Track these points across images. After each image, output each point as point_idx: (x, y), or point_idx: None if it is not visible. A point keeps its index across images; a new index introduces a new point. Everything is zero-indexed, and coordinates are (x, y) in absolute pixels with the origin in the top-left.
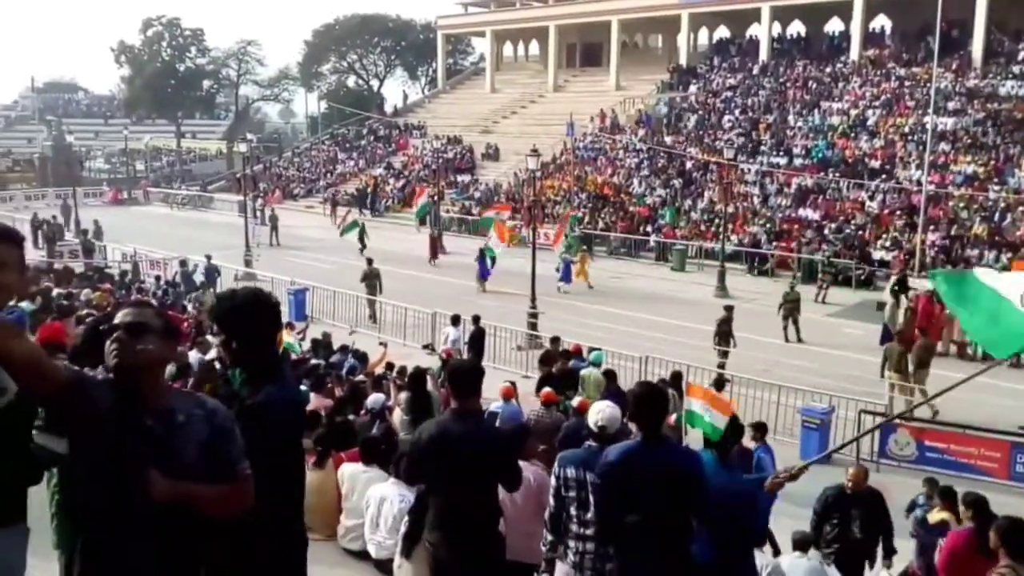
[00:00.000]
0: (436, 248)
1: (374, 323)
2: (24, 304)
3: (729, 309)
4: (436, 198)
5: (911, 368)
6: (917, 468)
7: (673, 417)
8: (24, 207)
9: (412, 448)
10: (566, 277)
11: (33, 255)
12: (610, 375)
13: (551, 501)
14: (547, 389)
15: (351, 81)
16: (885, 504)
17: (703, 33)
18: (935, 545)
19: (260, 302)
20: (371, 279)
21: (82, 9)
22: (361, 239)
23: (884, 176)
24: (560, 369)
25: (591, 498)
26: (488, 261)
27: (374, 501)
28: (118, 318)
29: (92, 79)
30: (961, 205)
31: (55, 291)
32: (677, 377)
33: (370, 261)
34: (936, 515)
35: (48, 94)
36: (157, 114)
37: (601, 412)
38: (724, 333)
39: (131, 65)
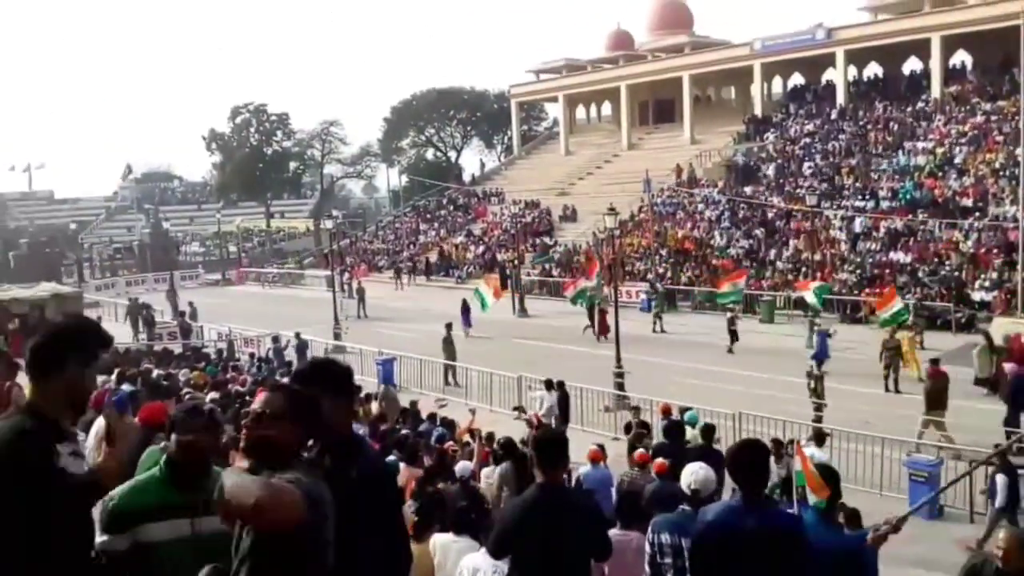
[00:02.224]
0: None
1: (457, 386)
2: (125, 386)
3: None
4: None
5: (925, 408)
6: None
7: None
8: (125, 293)
9: (499, 523)
10: (822, 353)
11: (129, 335)
12: (707, 432)
13: (647, 569)
14: (640, 450)
15: (430, 154)
16: None
17: (776, 81)
18: None
19: (334, 370)
20: (447, 344)
21: (175, 101)
22: (591, 316)
23: (977, 214)
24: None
25: (687, 564)
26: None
27: (467, 571)
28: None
29: (186, 167)
30: None
31: (155, 372)
32: (778, 445)
33: (448, 327)
34: None
35: (145, 184)
36: (247, 196)
37: (695, 475)
38: (820, 388)
39: (222, 151)
